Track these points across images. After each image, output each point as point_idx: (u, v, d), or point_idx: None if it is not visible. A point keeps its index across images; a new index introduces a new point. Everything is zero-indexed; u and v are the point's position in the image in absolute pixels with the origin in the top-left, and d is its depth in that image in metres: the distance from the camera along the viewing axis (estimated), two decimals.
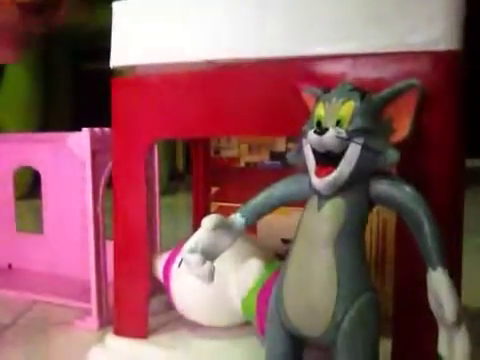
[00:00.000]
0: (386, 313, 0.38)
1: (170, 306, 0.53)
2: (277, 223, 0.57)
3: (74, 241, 0.75)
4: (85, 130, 0.57)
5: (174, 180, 1.89)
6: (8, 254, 0.83)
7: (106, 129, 0.59)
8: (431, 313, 0.32)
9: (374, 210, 0.35)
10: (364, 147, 0.32)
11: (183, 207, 0.76)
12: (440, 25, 0.36)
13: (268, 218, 0.41)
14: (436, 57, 0.37)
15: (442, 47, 0.36)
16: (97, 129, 0.58)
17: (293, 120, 0.37)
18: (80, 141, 0.57)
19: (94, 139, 0.57)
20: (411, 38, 0.37)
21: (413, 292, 0.36)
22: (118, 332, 0.50)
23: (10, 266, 0.83)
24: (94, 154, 0.58)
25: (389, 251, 0.54)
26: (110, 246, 0.51)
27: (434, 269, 0.32)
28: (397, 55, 0.37)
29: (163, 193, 0.69)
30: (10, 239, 0.83)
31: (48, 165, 0.78)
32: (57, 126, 1.74)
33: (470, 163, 0.50)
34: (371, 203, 0.35)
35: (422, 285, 0.32)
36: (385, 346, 0.38)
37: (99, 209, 0.58)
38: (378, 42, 0.38)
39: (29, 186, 1.57)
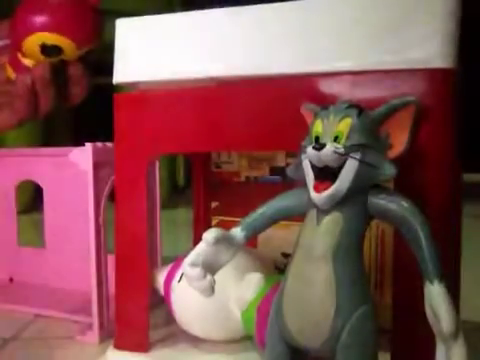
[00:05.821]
0: (385, 325, 0.38)
1: (171, 320, 0.54)
2: (277, 237, 0.58)
3: (76, 255, 0.75)
4: (88, 145, 0.58)
5: (175, 194, 1.89)
6: (9, 268, 0.83)
7: (108, 144, 0.59)
8: (429, 325, 0.32)
9: (373, 222, 0.36)
10: (361, 162, 0.33)
11: (184, 221, 0.76)
12: (435, 43, 0.37)
13: (268, 232, 0.41)
14: (431, 74, 0.37)
15: (437, 65, 0.37)
16: (99, 143, 0.59)
17: (293, 136, 0.38)
18: (83, 155, 0.58)
19: (96, 153, 0.58)
20: (407, 56, 0.38)
21: (412, 304, 0.36)
22: (119, 346, 0.50)
23: (11, 280, 0.83)
24: (96, 168, 0.58)
25: (388, 263, 0.54)
26: (112, 260, 0.51)
27: (431, 282, 0.32)
28: (394, 72, 0.38)
29: (164, 207, 0.69)
30: (12, 253, 0.83)
31: (50, 180, 0.78)
32: (59, 141, 1.74)
33: (467, 178, 0.50)
34: (369, 217, 0.35)
35: (420, 297, 0.33)
36: (384, 358, 0.38)
37: (101, 223, 0.59)
38: (375, 60, 0.39)
39: (30, 200, 1.57)
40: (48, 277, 0.79)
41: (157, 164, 0.66)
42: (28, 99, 0.53)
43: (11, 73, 0.55)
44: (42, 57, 0.52)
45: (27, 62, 0.54)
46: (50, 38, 0.50)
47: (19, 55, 0.54)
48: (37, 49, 0.51)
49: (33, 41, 0.51)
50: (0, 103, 0.55)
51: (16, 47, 0.53)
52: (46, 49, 0.51)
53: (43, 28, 0.50)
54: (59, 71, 0.54)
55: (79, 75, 0.55)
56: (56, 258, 0.79)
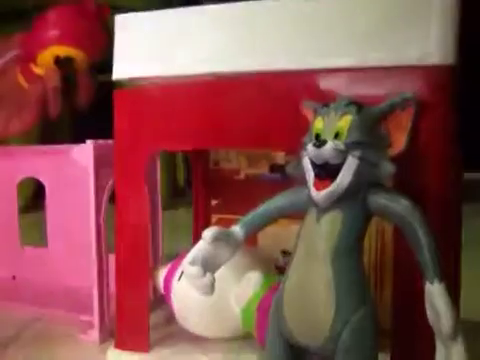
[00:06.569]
0: (385, 325, 0.38)
1: (171, 319, 0.54)
2: (277, 235, 0.58)
3: (78, 254, 0.75)
4: (89, 142, 0.58)
5: (175, 195, 1.89)
6: (12, 266, 0.83)
7: (109, 141, 0.59)
8: (429, 325, 0.32)
9: (373, 221, 0.36)
10: (361, 159, 0.33)
11: (184, 221, 0.76)
12: (434, 40, 0.37)
13: (269, 230, 0.41)
14: (431, 71, 0.37)
15: (436, 62, 0.37)
16: (101, 141, 0.59)
17: (292, 133, 0.38)
18: (84, 153, 0.58)
19: (98, 151, 0.58)
20: (406, 53, 0.38)
21: (411, 304, 0.36)
22: (119, 346, 0.50)
23: (14, 278, 0.83)
24: (97, 166, 0.58)
25: (388, 262, 0.54)
26: (113, 259, 0.51)
27: (431, 282, 0.32)
28: (393, 69, 0.38)
29: (164, 209, 0.69)
30: (14, 252, 0.83)
31: (52, 177, 0.78)
32: (58, 138, 1.74)
33: (468, 176, 0.50)
34: (369, 215, 0.35)
35: (420, 297, 0.33)
36: (384, 359, 0.38)
37: (102, 221, 0.59)
38: (374, 57, 0.39)
39: (31, 199, 1.56)
40: (50, 276, 0.79)
41: (158, 162, 0.66)
42: (38, 108, 0.56)
43: (23, 82, 0.57)
44: (55, 68, 0.54)
45: (39, 71, 0.55)
46: (64, 51, 0.53)
47: (31, 65, 0.55)
48: (51, 61, 0.53)
49: (48, 54, 0.53)
50: (10, 111, 0.57)
51: (30, 59, 0.55)
52: (60, 61, 0.53)
53: (58, 42, 0.52)
54: (68, 78, 0.56)
55: (87, 82, 0.57)
56: (58, 257, 0.79)
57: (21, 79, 0.57)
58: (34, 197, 1.54)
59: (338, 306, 0.34)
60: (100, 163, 0.58)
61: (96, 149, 0.58)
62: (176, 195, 1.93)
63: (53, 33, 0.53)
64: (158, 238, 0.67)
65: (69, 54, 0.53)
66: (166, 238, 0.69)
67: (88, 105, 0.60)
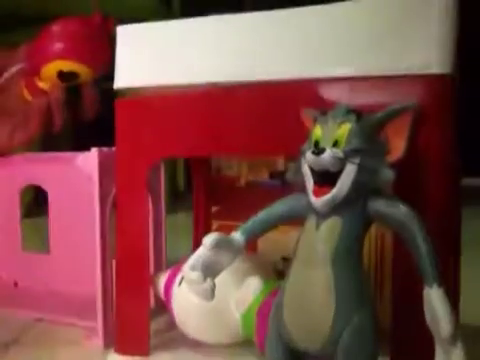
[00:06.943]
0: (384, 329, 0.38)
1: (172, 325, 0.54)
2: (277, 241, 0.58)
3: (80, 260, 0.75)
4: (94, 150, 0.58)
5: (175, 199, 1.89)
6: (14, 272, 0.83)
7: (114, 149, 0.59)
8: (428, 329, 0.32)
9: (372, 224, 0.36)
10: (360, 167, 0.33)
11: (184, 225, 0.76)
12: (433, 49, 0.37)
13: (269, 236, 0.41)
14: (430, 80, 0.38)
15: (435, 71, 0.37)
16: (105, 149, 0.59)
17: (292, 140, 0.38)
18: (89, 161, 0.58)
19: (102, 159, 0.58)
20: (405, 62, 0.38)
21: (411, 308, 0.37)
22: (120, 350, 0.51)
23: (16, 284, 0.83)
24: (102, 173, 0.58)
25: (388, 264, 0.54)
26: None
27: (430, 286, 0.32)
28: (393, 78, 0.39)
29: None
30: (16, 258, 0.83)
31: (56, 185, 0.79)
32: (58, 145, 1.74)
33: (466, 182, 0.50)
34: (368, 221, 0.35)
35: (420, 300, 0.33)
36: None
37: (106, 228, 0.59)
38: (374, 66, 0.39)
39: (31, 204, 1.56)
40: (53, 282, 0.79)
41: (162, 169, 0.66)
42: (42, 120, 0.56)
43: (28, 95, 0.58)
44: (59, 82, 0.55)
45: (43, 85, 0.56)
46: (68, 65, 0.53)
47: (36, 79, 0.56)
48: (55, 75, 0.54)
49: (51, 68, 0.53)
50: (14, 124, 0.58)
51: (34, 72, 0.55)
52: (63, 75, 0.54)
53: (62, 57, 0.53)
54: (73, 91, 0.57)
55: (92, 95, 0.58)
56: (60, 263, 0.79)
57: (26, 93, 0.58)
58: (34, 203, 1.54)
59: (337, 309, 0.34)
60: (104, 171, 0.58)
61: (101, 157, 0.58)
62: (176, 199, 1.93)
63: (57, 47, 0.53)
64: (161, 245, 0.67)
65: (73, 69, 0.53)
66: (167, 242, 0.69)
67: (93, 116, 0.61)
